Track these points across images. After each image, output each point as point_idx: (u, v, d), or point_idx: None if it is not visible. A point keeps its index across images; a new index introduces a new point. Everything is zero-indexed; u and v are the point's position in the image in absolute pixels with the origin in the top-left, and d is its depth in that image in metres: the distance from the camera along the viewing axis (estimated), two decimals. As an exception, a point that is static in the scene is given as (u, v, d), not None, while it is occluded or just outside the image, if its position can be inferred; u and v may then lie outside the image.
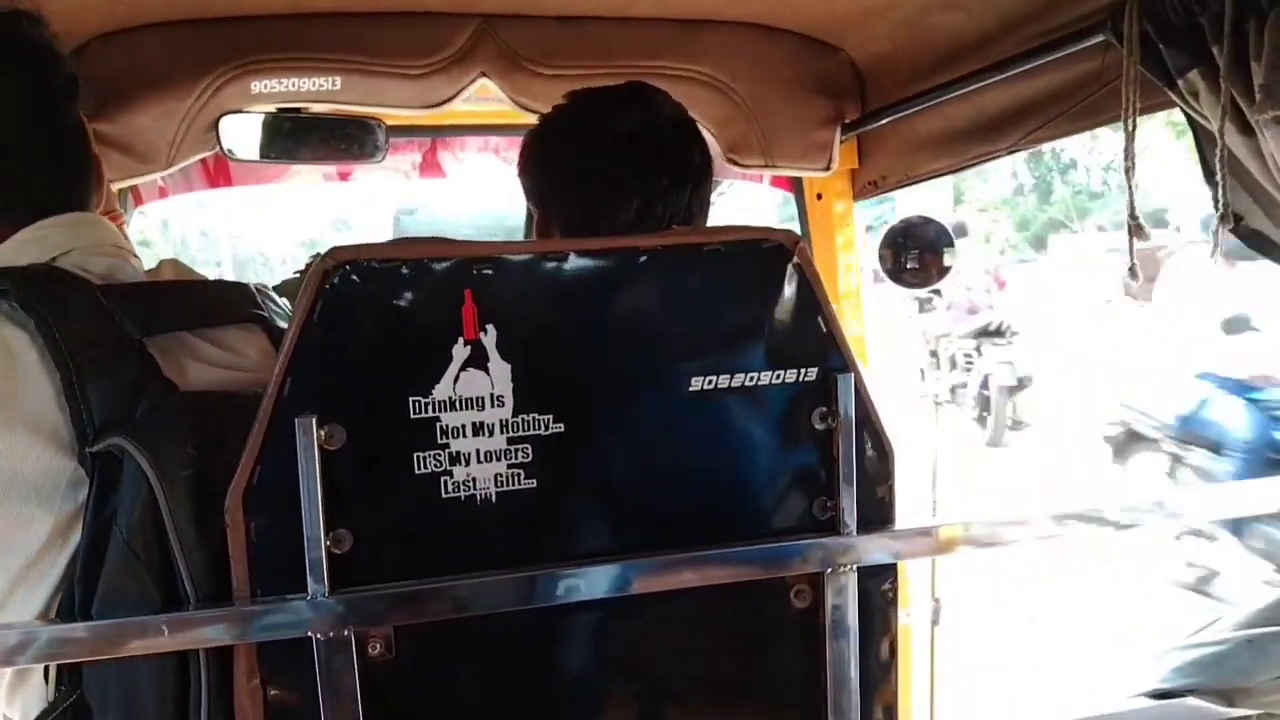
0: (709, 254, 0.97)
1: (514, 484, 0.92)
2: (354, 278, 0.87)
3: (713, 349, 0.97)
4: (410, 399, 0.89)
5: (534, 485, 0.93)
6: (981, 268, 9.67)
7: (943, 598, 2.07)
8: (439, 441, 0.90)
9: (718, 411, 0.97)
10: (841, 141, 2.02)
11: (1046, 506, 1.08)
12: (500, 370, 0.91)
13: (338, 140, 1.77)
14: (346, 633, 0.88)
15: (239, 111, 1.66)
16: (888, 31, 1.82)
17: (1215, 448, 4.90)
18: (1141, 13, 1.32)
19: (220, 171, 2.05)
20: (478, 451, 0.91)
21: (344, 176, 2.36)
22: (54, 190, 1.07)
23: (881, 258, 2.09)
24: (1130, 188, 1.46)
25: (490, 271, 0.90)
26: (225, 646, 0.88)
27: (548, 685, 0.97)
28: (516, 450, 0.92)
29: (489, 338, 0.90)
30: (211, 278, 1.22)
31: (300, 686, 0.88)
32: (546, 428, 0.93)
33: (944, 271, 2.07)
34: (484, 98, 1.80)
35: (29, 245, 1.02)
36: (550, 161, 1.29)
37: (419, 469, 0.90)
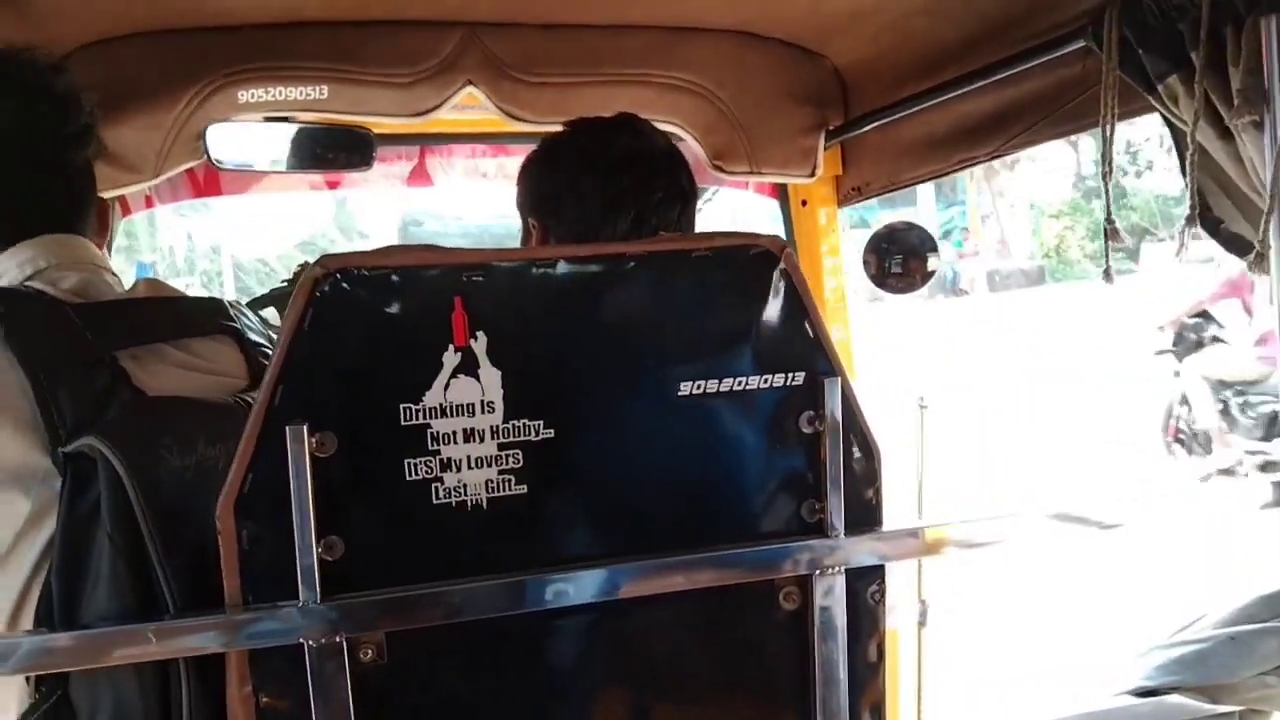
0: (696, 260, 0.98)
1: (505, 490, 0.93)
2: (344, 285, 0.88)
3: (701, 354, 0.98)
4: (401, 406, 0.89)
5: (524, 491, 0.93)
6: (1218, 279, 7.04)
7: (929, 599, 2.08)
8: (430, 448, 0.90)
9: (706, 416, 0.98)
10: (826, 148, 2.03)
11: (1031, 507, 1.09)
12: (491, 376, 0.91)
13: (326, 149, 1.77)
14: (338, 639, 0.88)
15: (226, 121, 1.67)
16: (870, 38, 1.84)
17: None
18: (1121, 19, 1.34)
19: (209, 181, 2.05)
20: (468, 458, 0.91)
21: (332, 185, 2.35)
22: (49, 220, 1.11)
23: (866, 263, 2.09)
24: (1107, 191, 1.48)
25: (480, 278, 0.91)
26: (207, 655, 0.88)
27: (539, 689, 0.98)
28: (507, 456, 0.92)
29: (479, 344, 0.90)
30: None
31: (292, 693, 0.88)
32: (537, 433, 0.93)
33: (928, 276, 2.08)
34: (471, 106, 1.80)
35: (9, 268, 1.07)
36: (551, 179, 1.37)
37: (410, 475, 0.90)
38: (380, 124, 1.78)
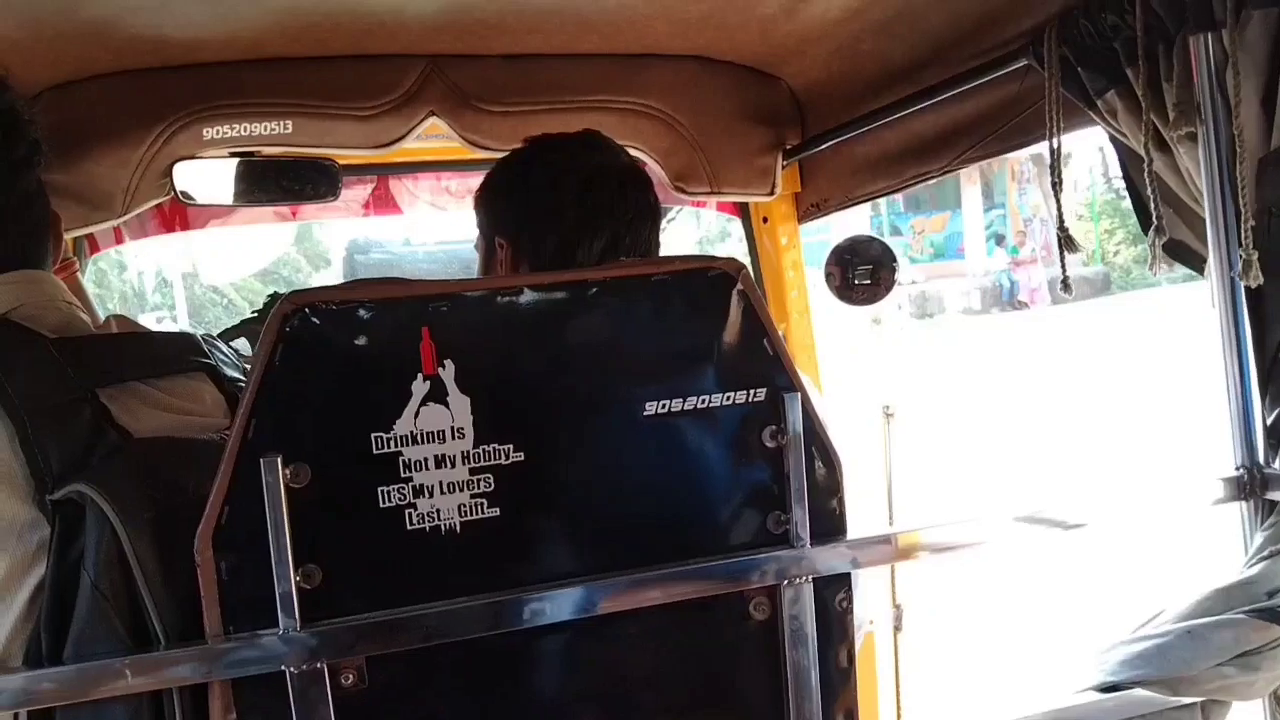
0: (656, 283, 1.01)
1: (477, 513, 0.95)
2: (313, 320, 0.90)
3: (665, 374, 1.00)
4: (372, 435, 0.91)
5: (497, 513, 0.95)
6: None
7: (904, 604, 2.11)
8: (402, 475, 0.92)
9: (672, 434, 1.01)
10: (784, 167, 2.08)
11: (999, 510, 1.12)
12: (460, 403, 0.93)
13: (292, 181, 1.79)
14: (319, 665, 0.90)
15: (193, 158, 1.68)
16: (823, 61, 1.88)
17: None
18: (1060, 38, 1.39)
19: (177, 215, 2.06)
20: (440, 483, 0.93)
21: (295, 213, 2.37)
22: (9, 252, 1.08)
23: (829, 275, 2.12)
24: (1058, 201, 1.52)
25: (446, 308, 0.94)
26: (200, 684, 0.90)
27: (518, 707, 0.99)
28: (478, 480, 0.95)
29: (447, 372, 0.93)
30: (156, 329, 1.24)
31: None
32: (507, 457, 0.95)
33: (890, 287, 2.12)
34: (434, 135, 1.83)
35: None
36: (519, 197, 1.36)
37: (384, 503, 0.92)
38: (345, 155, 1.80)
